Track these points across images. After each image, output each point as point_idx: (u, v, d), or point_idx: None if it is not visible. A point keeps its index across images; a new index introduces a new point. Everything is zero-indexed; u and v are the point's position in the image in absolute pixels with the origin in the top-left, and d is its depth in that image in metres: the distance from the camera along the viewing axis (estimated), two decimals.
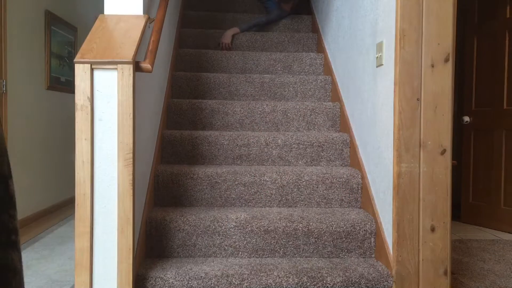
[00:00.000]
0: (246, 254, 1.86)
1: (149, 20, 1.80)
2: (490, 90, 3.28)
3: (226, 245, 1.86)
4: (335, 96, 2.67)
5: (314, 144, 2.32)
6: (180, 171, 2.06)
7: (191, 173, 2.06)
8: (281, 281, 1.65)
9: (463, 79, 3.52)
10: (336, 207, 2.12)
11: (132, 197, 1.51)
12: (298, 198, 2.10)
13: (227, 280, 1.65)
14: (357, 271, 1.71)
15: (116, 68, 1.50)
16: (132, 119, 1.51)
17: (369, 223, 1.89)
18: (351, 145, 2.30)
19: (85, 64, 1.49)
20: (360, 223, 1.89)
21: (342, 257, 1.89)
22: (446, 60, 1.66)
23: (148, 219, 1.84)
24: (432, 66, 1.66)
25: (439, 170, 1.66)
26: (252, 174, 2.08)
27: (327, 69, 2.90)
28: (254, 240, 1.86)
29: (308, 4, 3.58)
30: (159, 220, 1.85)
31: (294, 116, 2.53)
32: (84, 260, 1.51)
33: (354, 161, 2.25)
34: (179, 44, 3.15)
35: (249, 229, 1.86)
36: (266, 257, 1.87)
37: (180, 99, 2.69)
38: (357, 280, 1.68)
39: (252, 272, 1.68)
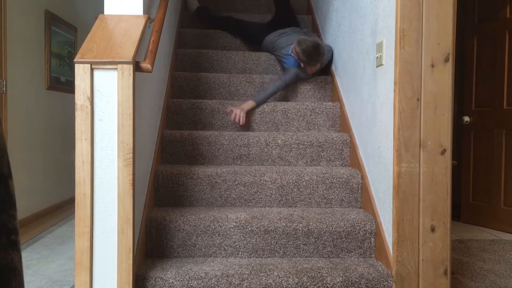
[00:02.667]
0: (246, 254, 1.86)
1: (149, 20, 1.80)
2: (490, 90, 3.28)
3: (226, 245, 1.86)
4: (335, 96, 2.67)
5: (314, 144, 2.32)
6: (180, 171, 2.06)
7: (191, 173, 2.06)
8: (281, 281, 1.65)
9: (463, 79, 3.52)
10: (336, 207, 2.12)
11: (132, 197, 1.51)
12: (298, 198, 2.10)
13: (227, 280, 1.65)
14: (357, 271, 1.71)
15: (116, 68, 1.50)
16: (132, 119, 1.51)
17: (369, 223, 1.89)
18: (351, 145, 2.30)
19: (85, 64, 1.49)
20: (360, 223, 1.89)
21: (342, 257, 1.89)
22: (446, 60, 1.66)
23: (148, 219, 1.84)
24: (432, 66, 1.66)
25: (439, 170, 1.66)
26: (252, 174, 2.08)
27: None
28: (254, 240, 1.86)
29: (329, 69, 2.82)
30: (159, 220, 1.85)
31: (294, 116, 2.53)
32: (84, 260, 1.51)
33: (354, 161, 2.25)
34: (179, 44, 3.15)
35: (249, 229, 1.86)
36: (266, 257, 1.87)
37: (180, 99, 2.69)
38: (357, 280, 1.68)
39: (252, 272, 1.68)
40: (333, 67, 2.78)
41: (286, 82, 2.58)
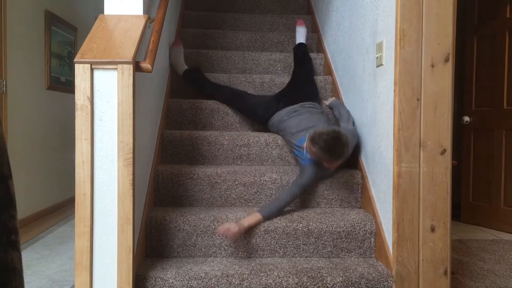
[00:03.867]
0: (246, 254, 1.86)
1: (149, 20, 1.80)
2: (490, 90, 3.28)
3: (226, 245, 1.86)
4: (335, 96, 2.67)
5: None
6: (180, 171, 2.06)
7: (191, 173, 2.06)
8: (281, 281, 1.65)
9: (463, 79, 3.52)
10: (336, 207, 2.11)
11: (132, 197, 1.51)
12: (298, 198, 2.10)
13: (227, 280, 1.65)
14: (357, 271, 1.71)
15: (116, 68, 1.50)
16: (132, 119, 1.51)
17: (369, 223, 1.89)
18: None
19: (85, 64, 1.49)
20: (360, 223, 1.89)
21: (342, 257, 1.89)
22: (446, 60, 1.66)
23: (148, 219, 1.84)
24: (432, 66, 1.66)
25: (439, 170, 1.66)
26: (252, 174, 2.07)
27: (327, 69, 2.90)
28: (254, 240, 1.86)
29: (356, 159, 2.20)
30: (159, 220, 1.84)
31: None
32: (84, 260, 1.51)
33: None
34: None
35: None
36: (266, 257, 1.87)
37: (180, 99, 2.69)
38: (357, 280, 1.68)
39: (252, 272, 1.68)
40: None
41: (304, 186, 1.94)
